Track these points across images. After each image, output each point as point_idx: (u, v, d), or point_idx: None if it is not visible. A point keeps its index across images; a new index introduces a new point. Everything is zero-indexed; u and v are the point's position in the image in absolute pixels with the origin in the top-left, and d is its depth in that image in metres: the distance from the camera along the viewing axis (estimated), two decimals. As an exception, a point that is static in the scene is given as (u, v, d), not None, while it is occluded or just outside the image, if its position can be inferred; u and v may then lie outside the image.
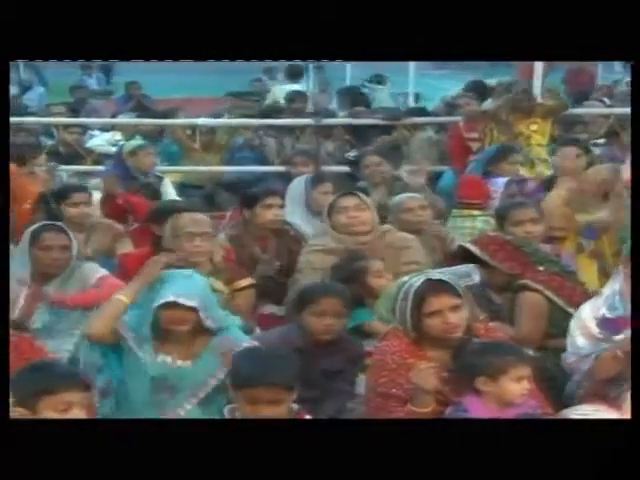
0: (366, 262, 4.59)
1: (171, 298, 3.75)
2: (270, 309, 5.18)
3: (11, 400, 3.05)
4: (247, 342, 3.95)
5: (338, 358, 4.08)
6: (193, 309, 3.76)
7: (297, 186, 6.16)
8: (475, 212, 6.11)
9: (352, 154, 7.76)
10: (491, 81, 9.14)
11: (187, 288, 3.82)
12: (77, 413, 2.96)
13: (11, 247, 5.25)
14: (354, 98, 9.96)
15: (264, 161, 8.65)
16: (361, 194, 5.25)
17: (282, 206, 5.53)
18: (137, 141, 7.76)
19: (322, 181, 6.03)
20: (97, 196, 6.40)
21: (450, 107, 8.99)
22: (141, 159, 7.16)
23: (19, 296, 4.54)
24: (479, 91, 8.85)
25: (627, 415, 3.06)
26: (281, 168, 8.02)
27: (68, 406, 2.96)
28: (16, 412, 2.98)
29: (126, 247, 5.62)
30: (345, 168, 8.17)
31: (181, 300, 3.75)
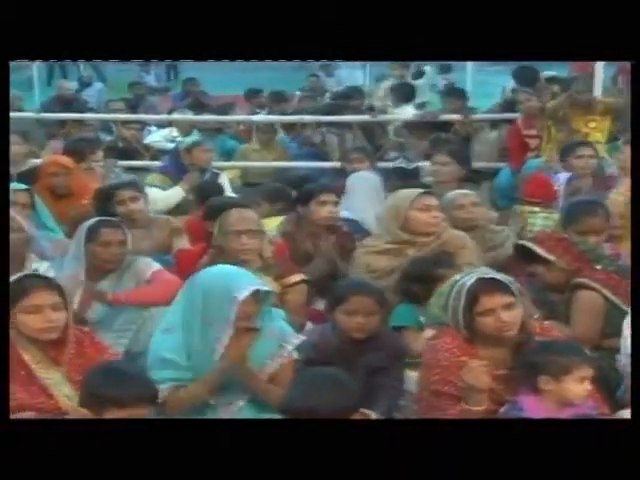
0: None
1: (253, 288, 3.76)
2: (323, 305, 5.16)
3: (78, 400, 3.08)
4: (293, 335, 3.95)
5: (380, 355, 4.06)
6: (256, 303, 3.78)
7: (368, 182, 6.14)
8: (536, 209, 6.06)
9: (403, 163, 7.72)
10: (548, 73, 9.03)
11: (248, 278, 3.86)
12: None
13: (66, 242, 5.35)
14: (408, 94, 9.91)
15: (324, 158, 8.65)
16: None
17: (337, 203, 5.53)
18: (193, 137, 7.80)
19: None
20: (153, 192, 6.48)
21: (509, 103, 8.90)
22: (197, 155, 7.19)
23: (75, 292, 4.57)
24: (530, 83, 8.72)
25: None
26: (337, 164, 8.02)
27: (132, 416, 2.98)
28: (80, 412, 3.00)
29: (183, 243, 5.65)
30: (401, 164, 8.14)
31: (262, 287, 3.78)
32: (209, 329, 3.80)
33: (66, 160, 6.49)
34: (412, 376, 4.04)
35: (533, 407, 3.36)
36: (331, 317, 4.15)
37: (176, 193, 6.90)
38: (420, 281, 4.44)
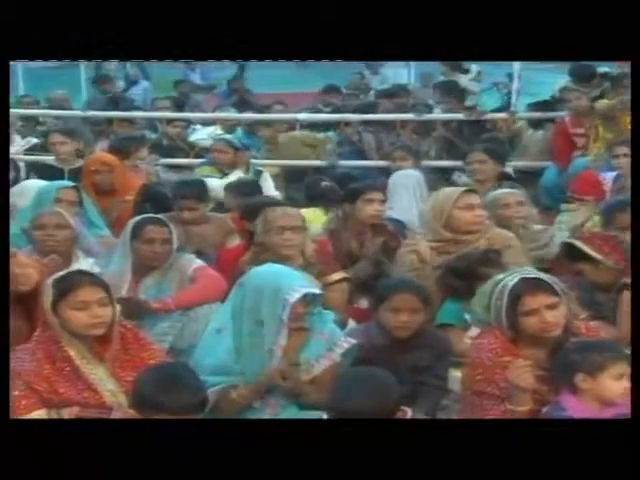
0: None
1: (304, 291, 3.79)
2: (366, 303, 5.16)
3: (128, 401, 3.10)
4: (342, 338, 3.96)
5: (425, 354, 4.05)
6: (307, 304, 3.79)
7: (411, 180, 6.12)
8: (584, 206, 6.01)
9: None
10: (602, 69, 8.93)
11: (299, 278, 3.88)
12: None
13: (112, 239, 5.40)
14: (452, 92, 9.84)
15: (363, 156, 8.64)
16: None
17: (383, 201, 5.51)
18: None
19: None
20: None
21: (557, 102, 8.82)
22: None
23: (121, 289, 4.61)
24: (587, 80, 8.61)
25: None
26: (381, 163, 8.01)
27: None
28: (127, 413, 3.02)
29: (235, 243, 5.66)
30: (445, 163, 8.11)
31: (312, 290, 3.79)
32: (260, 330, 3.83)
33: (109, 157, 6.55)
34: (455, 375, 4.03)
35: (575, 407, 3.33)
36: (375, 315, 4.14)
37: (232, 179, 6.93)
38: (464, 277, 4.41)
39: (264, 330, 3.83)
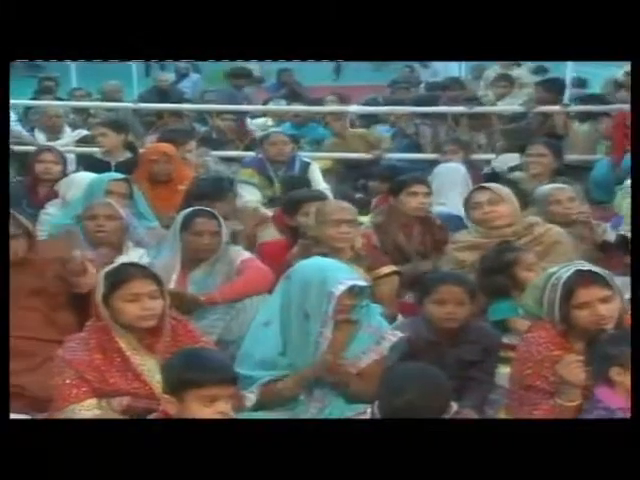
0: (518, 254, 4.50)
1: (350, 283, 3.79)
2: (413, 297, 5.13)
3: (162, 388, 3.11)
4: (390, 331, 3.95)
5: (472, 348, 4.02)
6: (354, 297, 3.79)
7: (453, 173, 6.13)
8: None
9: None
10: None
11: (345, 271, 3.88)
12: (223, 407, 2.97)
13: (162, 231, 5.44)
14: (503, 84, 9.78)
15: (418, 149, 8.61)
16: (495, 186, 5.13)
17: (428, 194, 5.49)
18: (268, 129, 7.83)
19: None
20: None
21: (597, 96, 8.71)
22: (268, 148, 7.22)
23: (170, 280, 4.64)
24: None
25: None
26: (431, 156, 7.97)
27: (213, 399, 2.96)
28: (164, 400, 3.04)
29: (269, 233, 5.66)
30: (493, 156, 8.04)
31: (360, 283, 3.80)
32: (307, 323, 3.84)
33: (168, 147, 6.58)
34: (504, 370, 4.00)
35: (610, 399, 3.29)
36: (421, 309, 4.13)
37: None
38: (497, 272, 4.39)
39: (310, 323, 3.84)
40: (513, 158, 7.28)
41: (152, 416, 3.15)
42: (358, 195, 6.46)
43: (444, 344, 4.00)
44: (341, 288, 3.77)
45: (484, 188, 5.09)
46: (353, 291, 3.82)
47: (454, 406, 3.17)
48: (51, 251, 4.38)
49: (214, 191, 5.68)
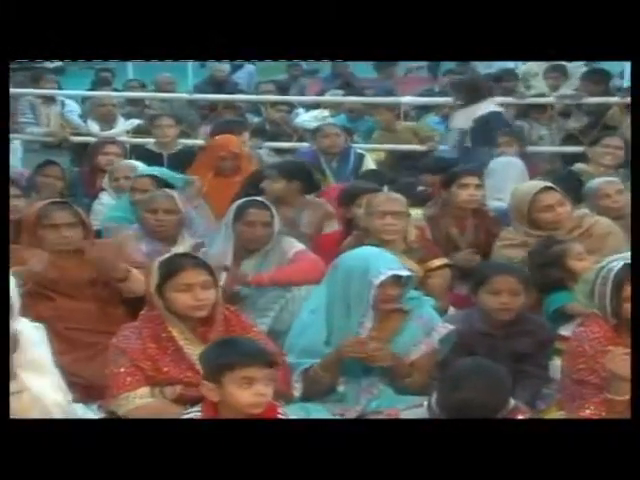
0: (565, 245, 4.48)
1: (390, 273, 3.79)
2: (466, 290, 5.12)
3: (202, 376, 3.15)
4: (440, 323, 3.95)
5: (526, 341, 4.01)
6: (400, 286, 3.80)
7: (509, 167, 6.09)
8: None
9: None
10: None
11: (389, 261, 3.87)
12: (262, 389, 2.99)
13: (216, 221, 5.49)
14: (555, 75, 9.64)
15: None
16: (555, 187, 5.08)
17: (479, 186, 5.45)
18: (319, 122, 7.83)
19: None
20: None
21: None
22: (320, 140, 7.23)
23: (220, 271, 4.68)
24: None
25: None
26: (486, 148, 7.90)
27: (250, 382, 2.99)
28: (205, 388, 3.08)
29: (334, 227, 5.67)
30: (553, 148, 7.95)
31: (400, 272, 3.79)
32: (350, 311, 3.86)
33: (236, 145, 6.59)
34: (556, 364, 3.98)
35: None
36: (475, 299, 4.12)
37: None
38: (549, 266, 4.36)
39: (352, 312, 3.87)
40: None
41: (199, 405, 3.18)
42: (420, 188, 6.42)
43: (498, 336, 3.99)
44: (381, 277, 3.79)
45: (552, 189, 5.01)
46: (398, 281, 3.82)
47: (512, 402, 3.17)
48: (102, 250, 4.43)
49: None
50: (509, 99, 8.56)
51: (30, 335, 3.42)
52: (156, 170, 5.89)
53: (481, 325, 4.03)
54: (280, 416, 3.08)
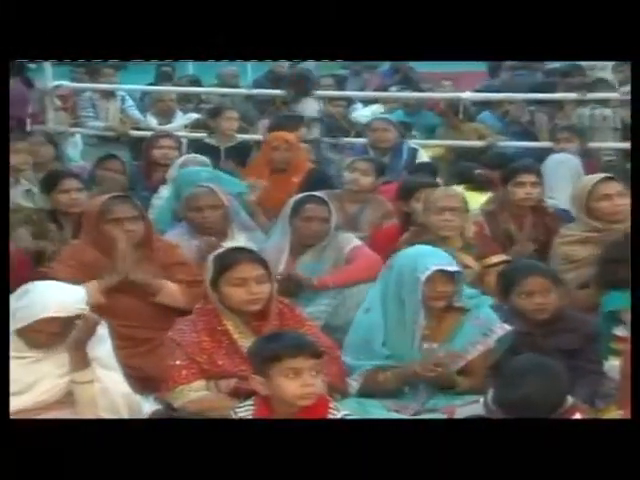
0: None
1: (434, 268, 3.77)
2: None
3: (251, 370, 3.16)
4: (498, 324, 3.91)
5: (570, 337, 3.95)
6: (452, 283, 3.77)
7: (564, 165, 5.98)
8: None
9: None
10: None
11: (441, 257, 3.85)
12: (309, 380, 2.97)
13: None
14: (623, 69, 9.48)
15: (532, 137, 8.46)
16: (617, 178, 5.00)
17: (536, 184, 5.37)
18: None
19: None
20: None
21: None
22: (373, 135, 7.20)
23: (279, 265, 4.67)
24: None
25: None
26: (545, 144, 7.83)
27: (296, 372, 2.97)
28: (255, 382, 3.07)
29: (390, 223, 5.65)
30: (617, 144, 7.82)
31: (446, 268, 3.77)
32: (404, 311, 3.84)
33: (291, 136, 6.60)
34: (614, 362, 3.92)
35: None
36: (507, 302, 4.07)
37: None
38: (620, 263, 4.28)
39: (406, 311, 3.84)
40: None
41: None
42: (478, 171, 6.36)
43: (538, 335, 3.94)
44: (427, 273, 3.76)
45: (612, 179, 4.95)
46: (449, 277, 3.80)
47: (569, 400, 3.13)
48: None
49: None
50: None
51: (97, 332, 3.50)
52: (219, 179, 5.86)
53: (519, 325, 3.98)
54: (332, 411, 3.06)
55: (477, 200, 5.60)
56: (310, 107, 8.18)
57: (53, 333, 3.39)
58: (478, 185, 6.02)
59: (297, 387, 2.96)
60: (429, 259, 3.84)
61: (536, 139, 8.37)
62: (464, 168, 6.41)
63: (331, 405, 3.10)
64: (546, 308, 3.95)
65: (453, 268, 3.86)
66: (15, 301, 3.42)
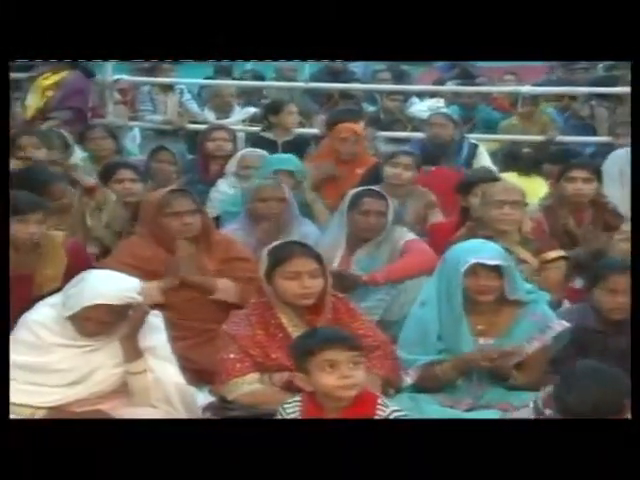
0: None
1: (473, 261, 3.74)
2: (581, 283, 4.99)
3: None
4: (555, 320, 3.86)
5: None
6: (497, 277, 3.72)
7: (614, 160, 5.92)
8: None
9: None
10: None
11: (487, 251, 3.80)
12: (346, 371, 2.93)
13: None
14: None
15: (593, 132, 8.35)
16: None
17: (588, 180, 5.30)
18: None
19: None
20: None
21: None
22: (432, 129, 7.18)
23: (335, 259, 4.67)
24: None
25: None
26: (604, 139, 7.73)
27: (333, 365, 2.93)
28: (297, 379, 3.06)
29: (437, 217, 5.65)
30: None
31: (485, 261, 3.74)
32: (453, 303, 3.80)
33: (359, 127, 6.59)
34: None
35: None
36: (589, 296, 4.01)
37: None
38: None
39: (455, 304, 3.81)
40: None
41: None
42: (525, 149, 6.33)
43: (609, 333, 3.88)
44: (465, 266, 3.74)
45: None
46: (493, 271, 3.76)
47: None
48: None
49: None
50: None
51: (151, 322, 3.55)
52: (290, 164, 5.89)
53: (593, 322, 3.92)
54: (380, 407, 3.03)
55: (530, 188, 5.53)
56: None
57: (102, 321, 3.42)
58: (528, 169, 5.94)
59: (335, 379, 2.93)
60: (472, 253, 3.81)
61: (596, 134, 8.26)
62: (510, 151, 6.34)
63: (379, 401, 3.07)
64: (626, 308, 3.88)
65: (493, 262, 3.80)
66: (69, 288, 3.46)
